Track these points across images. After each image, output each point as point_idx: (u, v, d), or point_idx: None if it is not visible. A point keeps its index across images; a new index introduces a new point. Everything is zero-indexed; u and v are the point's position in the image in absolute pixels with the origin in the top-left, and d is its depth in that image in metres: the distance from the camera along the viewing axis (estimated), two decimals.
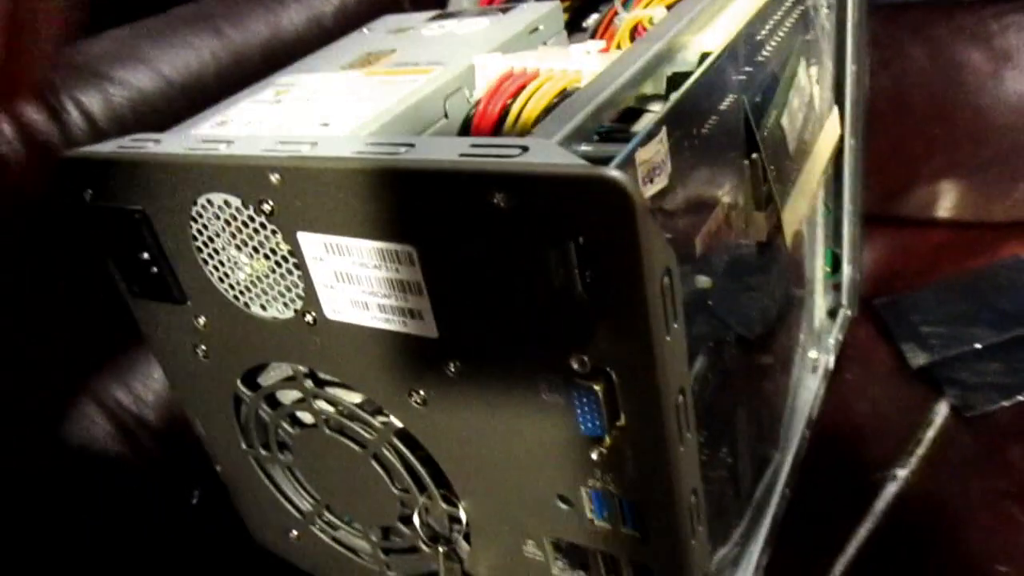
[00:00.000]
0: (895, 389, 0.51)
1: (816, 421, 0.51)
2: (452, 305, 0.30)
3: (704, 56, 0.33)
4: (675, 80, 0.33)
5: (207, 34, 0.71)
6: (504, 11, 0.48)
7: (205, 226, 0.35)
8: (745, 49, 0.35)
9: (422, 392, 0.33)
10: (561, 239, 0.25)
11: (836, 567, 0.42)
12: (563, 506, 0.33)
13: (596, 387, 0.27)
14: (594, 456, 0.29)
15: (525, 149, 0.26)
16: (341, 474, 0.40)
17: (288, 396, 0.40)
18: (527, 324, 0.28)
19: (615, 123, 0.31)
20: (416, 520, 0.38)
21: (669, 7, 0.43)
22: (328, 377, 0.37)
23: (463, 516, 0.37)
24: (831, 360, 0.56)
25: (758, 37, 0.37)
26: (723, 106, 0.33)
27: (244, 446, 0.44)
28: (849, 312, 0.59)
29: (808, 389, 0.53)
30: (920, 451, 0.46)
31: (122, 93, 0.57)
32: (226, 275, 0.36)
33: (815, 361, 0.55)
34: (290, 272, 0.34)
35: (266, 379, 0.40)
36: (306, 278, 0.33)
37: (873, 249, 0.64)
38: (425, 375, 0.33)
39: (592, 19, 0.53)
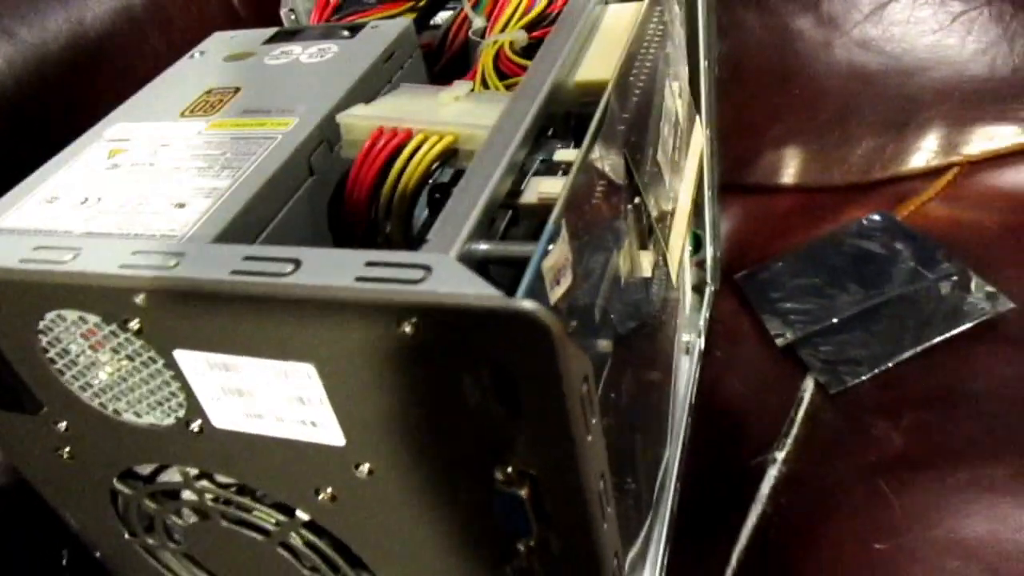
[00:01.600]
0: (763, 367, 0.54)
1: (695, 405, 0.53)
2: (360, 419, 0.28)
3: (587, 111, 0.32)
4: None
5: None
6: (351, 32, 0.44)
7: (57, 339, 0.31)
8: (621, 93, 0.35)
9: (330, 490, 0.32)
10: (477, 365, 0.25)
11: (733, 555, 0.45)
12: None
13: (521, 493, 0.27)
14: (520, 548, 0.29)
15: (428, 269, 0.24)
16: (242, 558, 0.38)
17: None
18: (442, 439, 0.27)
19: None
20: None
21: (526, 27, 0.42)
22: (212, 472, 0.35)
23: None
24: (702, 340, 0.58)
25: (635, 71, 0.36)
26: (607, 169, 0.32)
27: (127, 536, 0.41)
28: (713, 287, 0.62)
29: (685, 373, 0.56)
30: (794, 431, 0.49)
31: None
32: (88, 384, 0.33)
33: (689, 344, 0.57)
34: (167, 384, 0.31)
35: (145, 467, 0.37)
36: (187, 390, 0.30)
37: (725, 219, 0.67)
38: (333, 477, 0.31)
39: (441, 17, 0.51)
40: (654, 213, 0.36)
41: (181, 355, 0.29)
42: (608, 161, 0.32)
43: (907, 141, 0.64)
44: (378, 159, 0.33)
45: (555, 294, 0.26)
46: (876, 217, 0.61)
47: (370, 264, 0.25)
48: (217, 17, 0.71)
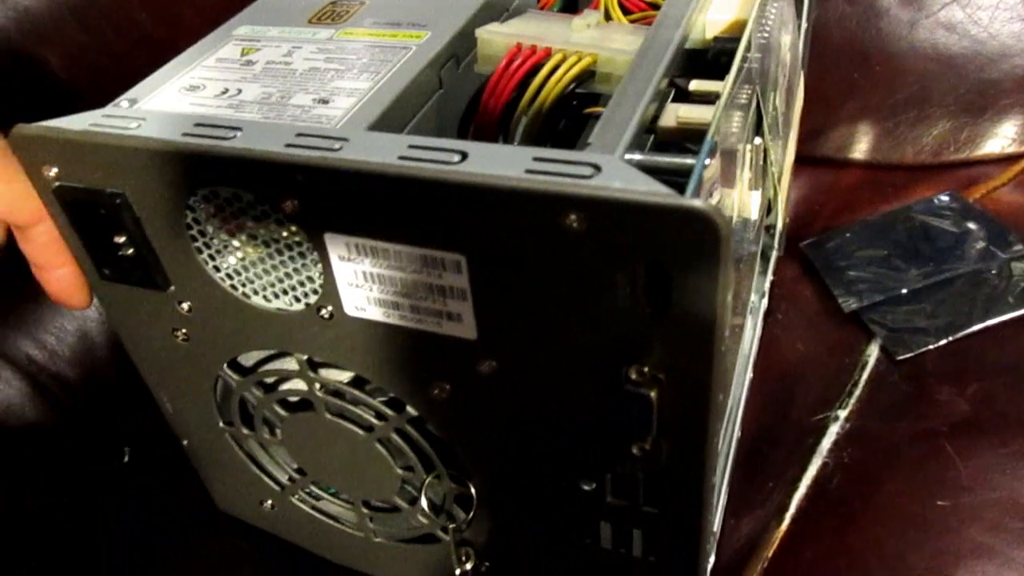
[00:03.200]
0: (826, 331, 0.56)
1: (755, 363, 0.55)
2: (498, 312, 0.29)
3: (722, 47, 0.33)
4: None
5: None
6: None
7: (204, 216, 0.32)
8: (754, 30, 0.36)
9: (448, 387, 0.33)
10: (635, 262, 0.26)
11: (791, 504, 0.46)
12: (585, 488, 0.34)
13: (651, 394, 0.28)
14: (635, 451, 0.31)
15: (597, 168, 0.26)
16: (335, 453, 0.40)
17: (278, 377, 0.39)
18: (583, 335, 0.28)
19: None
20: (422, 500, 0.39)
21: None
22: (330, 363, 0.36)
23: (473, 493, 0.37)
24: (765, 301, 0.59)
25: (762, 15, 0.37)
26: (742, 99, 0.33)
27: (222, 424, 0.42)
28: (778, 253, 0.63)
29: (748, 331, 0.57)
30: (857, 392, 0.50)
31: None
32: (224, 265, 0.34)
33: (752, 304, 0.58)
34: (307, 268, 0.32)
35: (248, 358, 0.39)
36: (327, 275, 0.31)
37: (794, 188, 0.68)
38: (454, 372, 0.32)
39: None
40: (771, 157, 0.38)
41: (331, 238, 0.30)
42: (741, 96, 0.33)
43: (984, 126, 0.65)
44: (518, 73, 0.34)
45: (707, 205, 0.27)
46: (946, 197, 0.62)
47: (538, 159, 0.26)
48: None
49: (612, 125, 0.28)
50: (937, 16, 0.65)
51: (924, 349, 0.51)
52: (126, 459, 0.59)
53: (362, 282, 0.31)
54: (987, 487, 0.42)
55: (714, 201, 0.27)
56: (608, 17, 0.41)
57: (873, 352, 0.53)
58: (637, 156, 0.27)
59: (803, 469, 0.48)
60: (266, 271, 0.33)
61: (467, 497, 0.38)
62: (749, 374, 0.54)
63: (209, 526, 0.51)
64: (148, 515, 0.54)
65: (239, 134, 0.30)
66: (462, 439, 0.35)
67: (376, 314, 0.32)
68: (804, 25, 0.52)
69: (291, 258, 0.32)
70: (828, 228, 0.64)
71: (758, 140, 0.36)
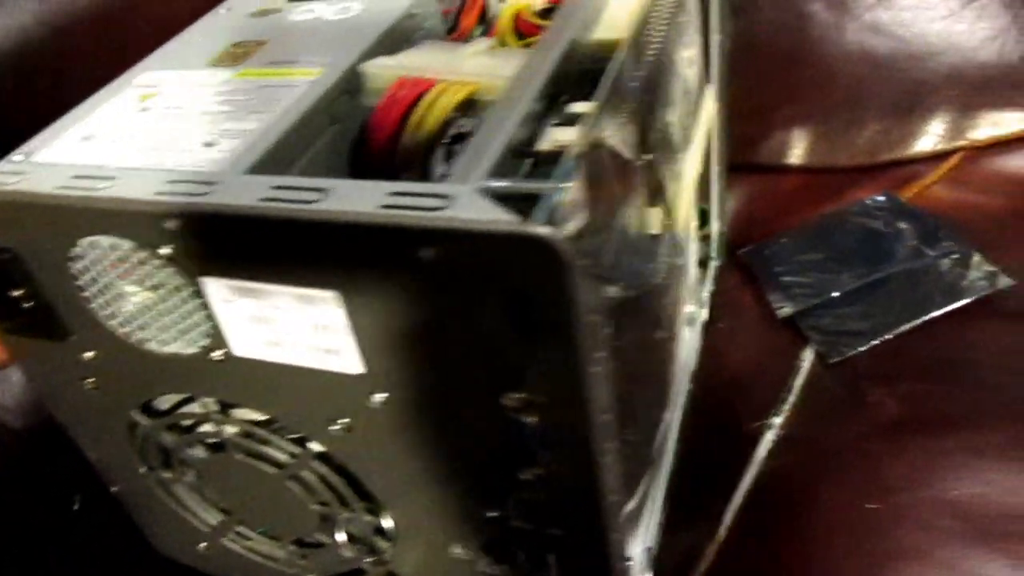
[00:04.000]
0: (765, 337, 0.56)
1: (696, 373, 0.55)
2: (381, 346, 0.30)
3: (598, 73, 0.34)
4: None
5: None
6: None
7: (88, 266, 0.33)
8: (638, 49, 0.36)
9: (346, 420, 0.33)
10: (492, 290, 0.26)
11: (726, 515, 0.46)
12: (491, 514, 0.34)
13: (528, 420, 0.28)
14: (525, 477, 0.30)
15: (447, 198, 0.26)
16: (254, 492, 0.40)
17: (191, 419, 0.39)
18: (459, 364, 0.29)
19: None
20: (340, 534, 0.39)
21: None
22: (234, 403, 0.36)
23: (389, 524, 0.37)
24: (705, 312, 0.59)
25: (648, 33, 0.38)
26: (620, 123, 0.33)
27: (143, 470, 0.42)
28: (717, 262, 0.63)
29: (688, 343, 0.57)
30: (791, 399, 0.50)
31: None
32: (115, 313, 0.34)
33: (692, 315, 0.58)
34: (192, 312, 0.32)
35: (162, 402, 0.39)
36: (211, 318, 0.32)
37: (734, 197, 0.68)
38: (348, 406, 0.32)
39: None
40: (664, 172, 0.38)
41: (208, 282, 0.30)
42: (621, 116, 0.33)
43: (914, 125, 0.65)
44: (400, 104, 0.34)
45: (568, 229, 0.27)
46: (880, 198, 0.62)
47: (394, 194, 0.27)
48: None
49: (473, 154, 0.28)
50: (863, 19, 0.66)
51: (856, 351, 0.51)
52: (76, 507, 0.59)
53: (246, 323, 0.31)
54: (916, 487, 0.42)
55: (575, 226, 0.27)
56: (504, 45, 0.42)
57: (808, 357, 0.53)
58: (493, 184, 0.27)
59: (738, 479, 0.48)
60: (156, 317, 0.33)
61: (387, 529, 0.38)
62: (687, 386, 0.54)
63: (158, 571, 0.51)
64: (97, 562, 0.54)
65: (113, 183, 0.30)
66: (368, 472, 0.35)
67: (265, 354, 0.32)
68: (717, 37, 0.52)
69: (177, 304, 0.32)
70: (769, 234, 0.64)
71: (647, 157, 0.36)
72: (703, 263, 0.62)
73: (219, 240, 0.29)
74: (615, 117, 0.33)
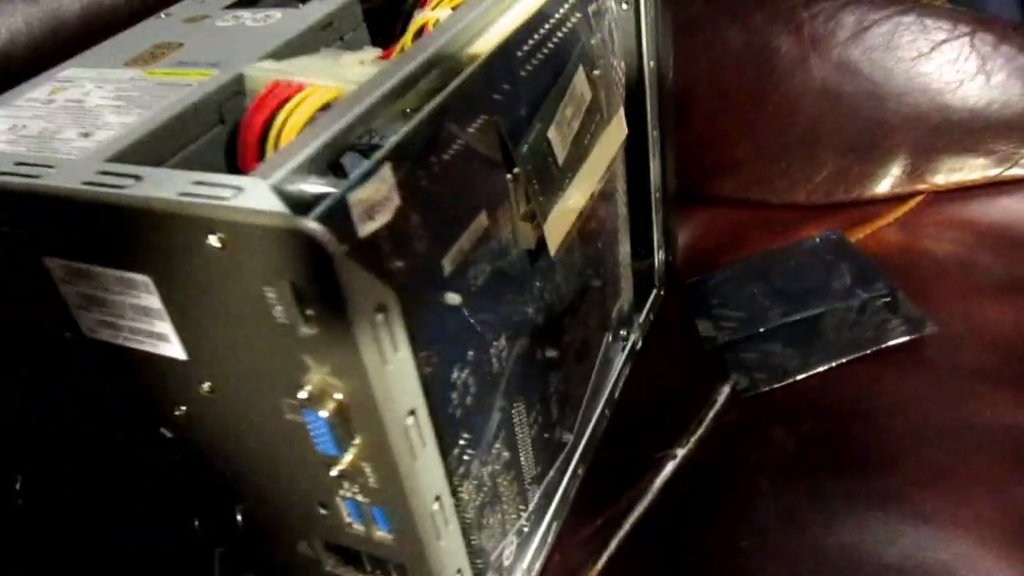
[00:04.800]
0: (690, 369, 0.55)
1: (617, 400, 0.54)
2: (193, 332, 0.30)
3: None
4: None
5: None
6: (304, 1, 0.47)
7: None
8: (505, 65, 0.36)
9: (184, 408, 0.34)
10: (275, 280, 0.26)
11: (612, 542, 0.45)
12: (323, 511, 0.35)
13: (323, 414, 0.29)
14: (333, 473, 0.31)
15: (239, 190, 0.27)
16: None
17: None
18: (260, 354, 0.29)
19: (366, 145, 0.32)
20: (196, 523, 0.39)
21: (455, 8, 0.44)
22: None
23: (239, 518, 0.38)
24: (639, 340, 0.59)
25: (524, 49, 0.38)
26: (472, 129, 0.34)
27: None
28: (661, 292, 0.62)
29: (614, 368, 0.56)
30: (700, 431, 0.50)
31: None
32: None
33: (624, 341, 0.58)
34: (44, 291, 0.33)
35: None
36: (59, 298, 0.33)
37: (690, 228, 0.68)
38: (183, 393, 0.33)
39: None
40: (536, 187, 0.38)
41: (49, 262, 0.32)
42: (474, 124, 0.34)
43: (873, 165, 0.64)
44: (266, 108, 0.35)
45: (366, 228, 0.28)
46: (830, 236, 0.61)
47: (197, 183, 0.28)
48: None
49: (288, 150, 0.29)
50: (831, 55, 0.65)
51: (769, 388, 0.50)
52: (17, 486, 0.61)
53: (85, 304, 0.32)
54: (791, 529, 0.41)
55: (375, 225, 0.28)
56: None
57: (725, 391, 0.52)
58: (287, 179, 0.28)
59: (631, 507, 0.47)
60: (11, 295, 0.35)
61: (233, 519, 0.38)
62: (603, 411, 0.53)
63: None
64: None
65: None
66: (215, 460, 0.36)
67: (107, 336, 0.33)
68: (651, 64, 0.52)
69: (28, 282, 0.34)
70: (718, 267, 0.64)
71: (516, 170, 0.37)
72: (644, 293, 0.62)
73: (50, 221, 0.30)
74: (468, 126, 0.34)
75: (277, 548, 0.39)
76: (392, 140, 0.29)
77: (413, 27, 0.43)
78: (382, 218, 0.28)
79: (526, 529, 0.46)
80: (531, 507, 0.46)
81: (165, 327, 0.31)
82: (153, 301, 0.30)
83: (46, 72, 0.44)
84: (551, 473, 0.48)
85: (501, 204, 0.37)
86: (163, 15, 0.50)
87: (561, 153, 0.40)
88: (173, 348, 0.31)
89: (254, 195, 0.26)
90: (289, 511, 0.36)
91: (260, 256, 0.26)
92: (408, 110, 0.33)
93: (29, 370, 0.38)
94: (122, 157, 0.34)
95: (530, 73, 0.38)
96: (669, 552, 0.43)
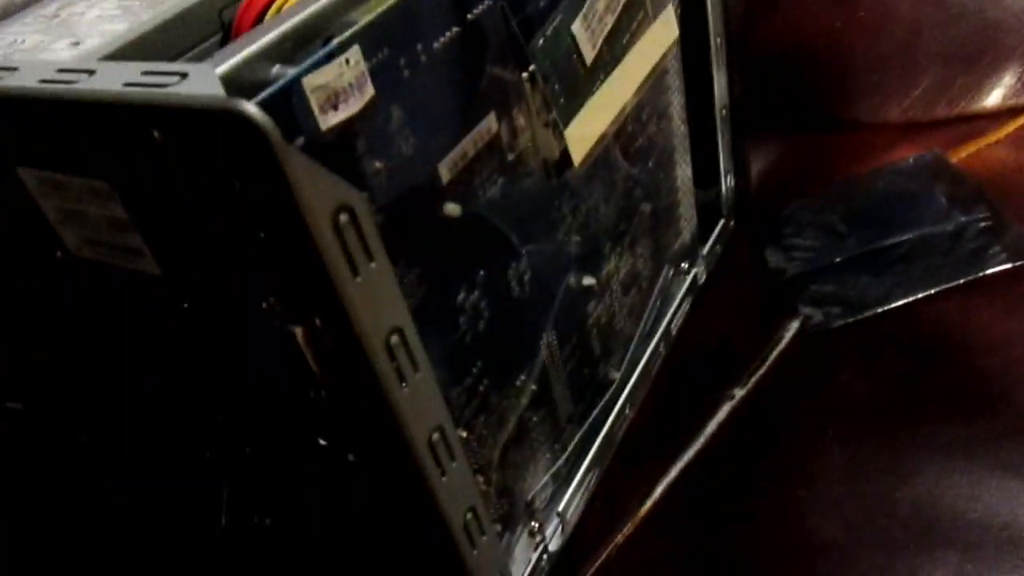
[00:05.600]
0: (756, 305, 0.50)
1: (675, 337, 0.50)
2: (159, 242, 0.28)
3: None
4: None
5: None
6: None
7: None
8: None
9: (166, 329, 0.32)
10: (221, 178, 0.23)
11: (658, 488, 0.42)
12: (321, 443, 0.32)
13: (296, 329, 0.26)
14: (311, 398, 0.28)
15: (184, 77, 0.24)
16: None
17: None
18: (225, 264, 0.27)
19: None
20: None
21: None
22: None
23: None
24: (703, 273, 0.54)
25: None
26: (472, 15, 0.30)
27: None
28: (730, 223, 0.57)
29: (674, 301, 0.52)
30: (762, 370, 0.45)
31: None
32: None
33: (685, 275, 0.53)
34: (24, 206, 0.32)
35: None
36: (40, 214, 0.31)
37: (766, 153, 0.61)
38: (165, 313, 0.31)
39: None
40: (557, 89, 0.34)
41: (23, 172, 0.30)
42: (475, 10, 0.30)
43: (980, 76, 0.56)
44: (256, 4, 0.32)
45: (330, 118, 0.24)
46: (926, 156, 0.54)
47: (146, 72, 0.25)
48: None
49: (250, 36, 0.26)
50: None
51: (841, 323, 0.44)
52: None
53: (63, 219, 0.30)
54: (857, 479, 0.36)
55: (341, 115, 0.24)
56: None
57: (792, 327, 0.46)
58: (232, 64, 0.24)
59: (680, 451, 0.43)
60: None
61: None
62: (658, 347, 0.49)
63: None
64: None
65: None
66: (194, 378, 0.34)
67: (90, 253, 0.31)
68: None
69: (10, 200, 0.32)
70: (797, 196, 0.58)
71: (532, 68, 0.33)
72: (709, 223, 0.57)
73: (21, 125, 0.28)
74: (468, 12, 0.30)
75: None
76: (364, 19, 0.25)
77: None
78: (348, 109, 0.25)
79: (564, 472, 0.42)
80: (569, 448, 0.43)
81: (136, 240, 0.28)
82: (118, 210, 0.28)
83: None
84: (594, 413, 0.45)
85: (515, 107, 0.33)
86: None
87: (589, 52, 0.36)
88: (148, 263, 0.29)
89: (197, 82, 0.23)
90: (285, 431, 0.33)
91: (198, 149, 0.23)
92: None
93: (25, 293, 0.36)
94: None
95: None
96: (718, 500, 0.38)
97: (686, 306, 0.52)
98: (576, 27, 0.35)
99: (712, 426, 0.43)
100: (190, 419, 0.37)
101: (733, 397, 0.44)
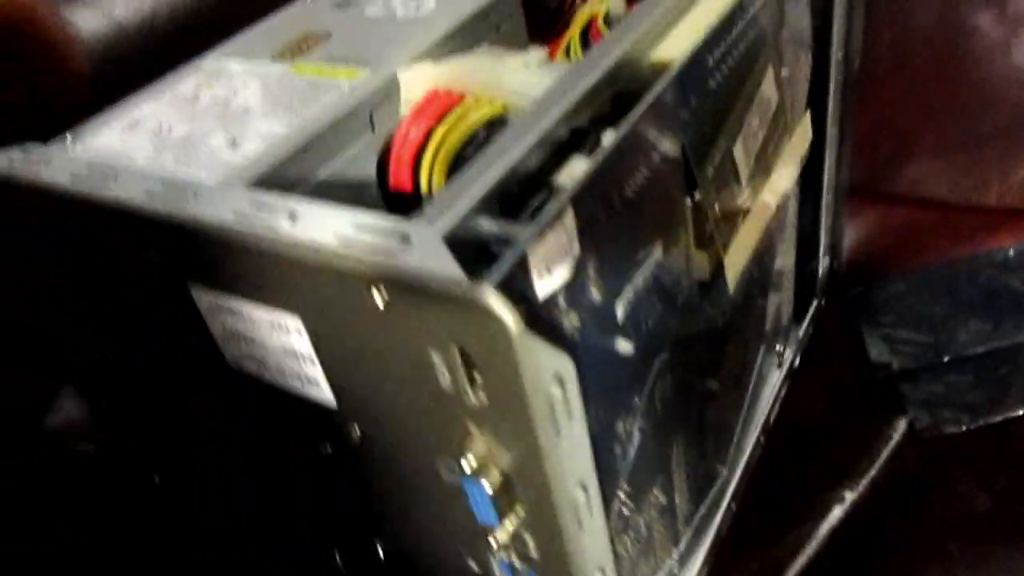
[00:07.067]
0: (857, 396, 0.50)
1: (772, 425, 0.50)
2: (346, 380, 0.28)
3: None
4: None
5: None
6: None
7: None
8: (697, 74, 0.32)
9: (329, 447, 0.32)
10: (441, 344, 0.23)
11: None
12: (474, 566, 0.32)
13: (485, 483, 0.26)
14: (491, 541, 0.28)
15: (407, 239, 0.23)
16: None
17: None
18: (419, 414, 0.26)
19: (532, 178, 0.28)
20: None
21: None
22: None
23: (380, 554, 0.36)
24: (797, 356, 0.54)
25: (717, 53, 0.33)
26: (657, 154, 0.29)
27: None
28: (822, 302, 0.57)
29: (770, 387, 0.52)
30: (872, 472, 0.44)
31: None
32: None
33: (781, 357, 0.53)
34: (187, 317, 0.32)
35: None
36: (203, 326, 0.31)
37: (856, 228, 0.61)
38: (330, 434, 0.31)
39: None
40: (717, 211, 0.33)
41: (196, 291, 0.30)
42: (661, 149, 0.30)
43: None
44: (423, 121, 0.32)
45: (546, 285, 0.24)
46: None
47: (357, 226, 0.25)
48: None
49: (458, 186, 0.26)
50: None
51: (956, 430, 0.44)
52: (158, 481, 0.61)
53: (230, 337, 0.30)
54: None
55: (556, 281, 0.24)
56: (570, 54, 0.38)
57: (900, 427, 0.46)
58: (475, 222, 0.24)
59: (794, 554, 0.43)
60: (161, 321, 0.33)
61: (375, 554, 0.36)
62: (758, 438, 0.49)
63: None
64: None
65: (114, 182, 0.30)
66: (356, 498, 0.34)
67: (253, 369, 0.31)
68: (839, 54, 0.46)
69: (173, 307, 0.32)
70: (887, 275, 0.57)
71: (697, 196, 0.32)
72: (802, 301, 0.56)
73: (197, 251, 0.28)
74: (653, 151, 0.29)
75: None
76: (577, 178, 0.25)
77: (579, 20, 0.39)
78: (561, 274, 0.25)
79: (676, 572, 0.42)
80: (682, 547, 0.43)
81: (315, 372, 0.28)
82: (303, 344, 0.28)
83: (193, 61, 0.42)
84: (702, 510, 0.44)
85: (677, 232, 0.33)
86: (310, 0, 0.47)
87: (745, 172, 0.35)
88: (323, 393, 0.29)
89: (423, 248, 0.23)
90: (436, 556, 0.33)
91: (427, 318, 0.23)
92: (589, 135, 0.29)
93: (175, 389, 0.36)
94: (271, 176, 0.32)
95: (719, 80, 0.33)
96: None
97: (782, 392, 0.52)
98: (737, 150, 0.34)
99: (825, 528, 0.43)
100: (321, 518, 0.37)
101: (844, 500, 0.44)
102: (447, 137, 0.31)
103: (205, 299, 0.30)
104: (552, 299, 0.25)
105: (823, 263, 0.55)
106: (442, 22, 0.40)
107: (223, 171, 0.32)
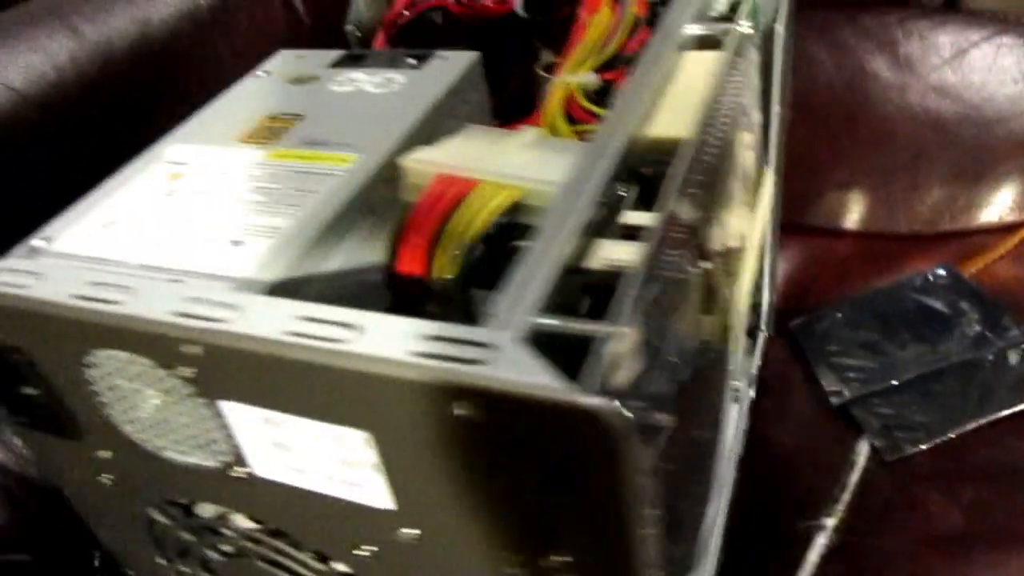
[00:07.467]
0: (816, 423, 0.53)
1: (743, 459, 0.52)
2: (413, 487, 0.27)
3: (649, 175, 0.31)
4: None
5: (61, 34, 0.63)
6: (418, 60, 0.43)
7: (106, 375, 0.31)
8: (696, 152, 0.33)
9: (374, 548, 0.31)
10: (533, 454, 0.23)
11: None
12: None
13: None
14: None
15: (488, 349, 0.23)
16: None
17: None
18: (495, 519, 0.26)
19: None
20: None
21: (597, 70, 0.41)
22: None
23: None
24: (752, 389, 0.56)
25: (711, 127, 0.35)
26: (677, 235, 0.31)
27: (161, 560, 0.40)
28: (767, 333, 0.60)
29: (733, 423, 0.54)
30: (845, 497, 0.47)
31: None
32: (134, 419, 0.32)
33: (739, 392, 0.55)
34: (213, 430, 0.30)
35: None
36: (233, 438, 0.30)
37: (782, 260, 0.65)
38: (376, 536, 0.30)
39: None
40: (721, 276, 0.35)
41: (228, 406, 0.28)
42: (679, 227, 0.31)
43: (980, 194, 0.62)
44: (437, 210, 0.32)
45: (618, 379, 0.25)
46: (941, 272, 0.58)
47: (430, 338, 0.24)
48: (281, 23, 0.70)
49: (519, 287, 0.26)
50: (929, 79, 0.63)
51: (915, 449, 0.48)
52: (96, 563, 0.58)
53: (269, 448, 0.29)
54: None
55: (626, 374, 0.25)
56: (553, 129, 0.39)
57: (863, 450, 0.49)
58: (547, 321, 0.24)
59: None
60: (175, 428, 0.31)
61: None
62: (733, 474, 0.51)
63: None
64: None
65: (132, 296, 0.28)
66: None
67: (289, 478, 0.30)
68: (777, 110, 0.49)
69: (197, 420, 0.30)
70: (820, 303, 0.61)
71: (703, 265, 0.34)
72: (751, 334, 0.59)
73: (240, 369, 0.27)
74: (672, 229, 0.30)
75: None
76: (638, 272, 0.26)
77: (555, 96, 0.40)
78: (632, 367, 0.25)
79: None
80: None
81: (376, 479, 0.28)
82: (367, 456, 0.27)
83: (147, 151, 0.40)
84: (693, 551, 0.46)
85: (687, 301, 0.34)
86: (261, 73, 0.46)
87: (736, 233, 0.37)
88: (379, 498, 0.28)
89: (510, 357, 0.23)
90: None
91: (518, 427, 0.23)
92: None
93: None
94: (288, 278, 0.31)
95: (713, 152, 0.35)
96: None
97: (744, 425, 0.54)
98: (733, 217, 0.36)
99: (813, 557, 0.45)
100: None
101: (825, 527, 0.46)
102: (471, 224, 0.31)
103: (240, 414, 0.28)
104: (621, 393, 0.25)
105: (766, 297, 0.58)
106: (419, 99, 0.40)
107: (237, 274, 0.30)
